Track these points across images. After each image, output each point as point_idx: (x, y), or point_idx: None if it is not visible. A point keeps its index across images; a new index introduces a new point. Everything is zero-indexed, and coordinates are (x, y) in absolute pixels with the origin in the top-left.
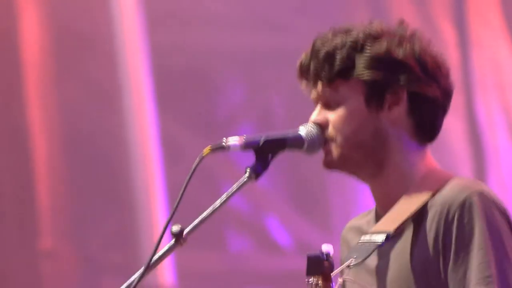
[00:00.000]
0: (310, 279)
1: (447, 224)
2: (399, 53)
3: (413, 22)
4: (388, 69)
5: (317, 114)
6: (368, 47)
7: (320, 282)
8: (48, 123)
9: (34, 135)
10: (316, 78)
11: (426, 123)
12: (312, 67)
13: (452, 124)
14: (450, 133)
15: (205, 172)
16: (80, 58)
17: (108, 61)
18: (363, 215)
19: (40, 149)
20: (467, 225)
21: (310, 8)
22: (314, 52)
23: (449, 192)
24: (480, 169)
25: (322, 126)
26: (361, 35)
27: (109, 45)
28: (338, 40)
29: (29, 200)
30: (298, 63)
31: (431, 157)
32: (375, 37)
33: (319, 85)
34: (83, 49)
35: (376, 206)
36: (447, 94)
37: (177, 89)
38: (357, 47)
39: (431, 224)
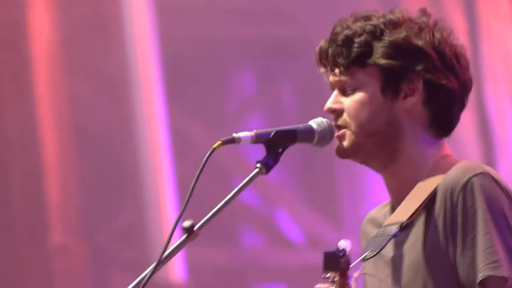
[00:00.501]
0: (328, 274)
1: (452, 208)
2: (418, 41)
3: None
4: (405, 57)
5: (333, 100)
6: (387, 34)
7: (336, 278)
8: (58, 117)
9: (44, 129)
10: (334, 63)
11: (442, 115)
12: (330, 52)
13: (462, 114)
14: (459, 124)
15: (216, 166)
16: (89, 50)
17: (118, 52)
18: (381, 206)
19: (50, 144)
20: (471, 209)
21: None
22: (333, 37)
23: (452, 175)
24: (489, 160)
25: (337, 113)
26: (381, 22)
27: (119, 37)
28: (357, 26)
29: (39, 196)
30: (317, 49)
31: (448, 149)
32: (394, 25)
33: (336, 71)
34: (93, 41)
35: (391, 197)
36: (465, 87)
37: (187, 81)
38: (376, 34)
39: (438, 209)
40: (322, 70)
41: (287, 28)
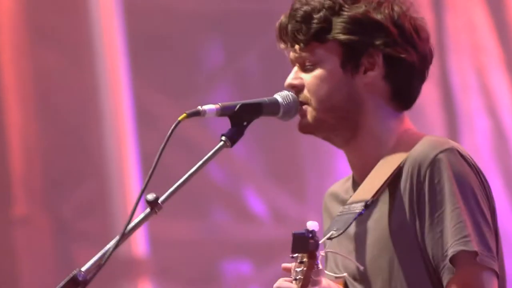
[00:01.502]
0: (295, 255)
1: (419, 184)
2: (377, 16)
3: None
4: (365, 32)
5: (293, 76)
6: (346, 9)
7: (305, 259)
8: (22, 87)
9: (7, 99)
10: (293, 40)
11: (402, 89)
12: (289, 28)
13: (425, 87)
14: (423, 97)
15: (181, 139)
16: (54, 20)
17: (83, 23)
18: (343, 181)
19: (14, 116)
20: (438, 185)
21: None
22: (292, 13)
23: (419, 151)
24: (453, 134)
25: (297, 89)
26: None
27: (84, 8)
28: (316, 2)
29: (2, 168)
30: (277, 25)
31: (409, 123)
32: (354, 0)
33: (296, 47)
34: (57, 13)
35: (353, 173)
36: (425, 60)
37: (152, 53)
38: (335, 9)
39: (404, 185)
40: (282, 46)
41: (252, 1)
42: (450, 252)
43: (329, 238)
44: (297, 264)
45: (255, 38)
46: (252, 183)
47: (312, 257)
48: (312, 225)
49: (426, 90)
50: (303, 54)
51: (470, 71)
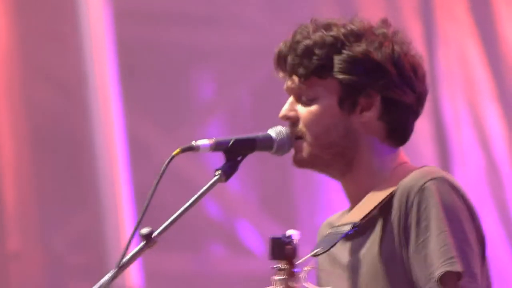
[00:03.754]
0: (276, 265)
1: (407, 210)
2: (377, 57)
3: (380, 16)
4: (364, 72)
5: (288, 107)
6: (347, 48)
7: (284, 266)
8: (14, 121)
9: (0, 135)
10: (292, 71)
11: (398, 128)
12: (289, 60)
13: (418, 122)
14: (415, 132)
15: (175, 174)
16: (46, 53)
17: (74, 56)
18: (340, 213)
19: (6, 148)
20: (425, 211)
21: (277, 6)
22: (293, 44)
23: (410, 179)
24: (445, 167)
25: (292, 121)
26: (341, 33)
27: (75, 41)
28: (318, 36)
29: None
30: (276, 52)
31: (404, 157)
32: (355, 37)
33: (295, 79)
34: (49, 45)
35: (349, 203)
36: (421, 99)
37: (144, 86)
38: (336, 46)
39: (395, 212)
40: (281, 74)
41: (246, 35)
42: (437, 274)
43: (314, 255)
44: (277, 272)
45: (246, 71)
46: (246, 217)
47: (290, 263)
48: (291, 232)
49: (418, 124)
50: (302, 87)
51: (462, 104)
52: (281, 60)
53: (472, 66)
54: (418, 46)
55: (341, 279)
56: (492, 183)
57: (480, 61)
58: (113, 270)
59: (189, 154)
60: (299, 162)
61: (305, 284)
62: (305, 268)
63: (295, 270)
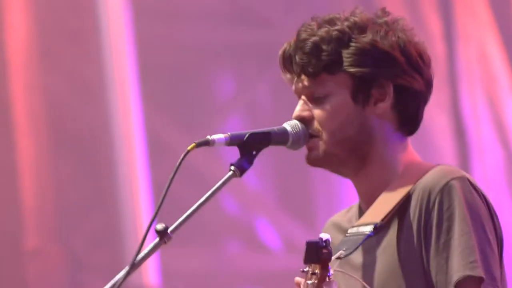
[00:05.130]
0: (306, 268)
1: (428, 209)
2: (385, 45)
3: (399, 14)
4: (374, 63)
5: (301, 107)
6: (354, 40)
7: (317, 270)
8: (34, 121)
9: (19, 132)
10: (301, 71)
11: (410, 115)
12: (297, 59)
13: (437, 117)
14: (434, 127)
15: (191, 169)
16: (65, 53)
17: (94, 55)
18: (344, 212)
19: (25, 147)
20: (448, 211)
21: (297, 2)
22: (299, 43)
23: (430, 178)
24: (464, 164)
25: (306, 121)
26: (346, 26)
27: (95, 40)
28: (323, 32)
29: (14, 199)
30: (280, 54)
31: (411, 148)
32: (360, 29)
33: (304, 78)
34: (69, 44)
35: (360, 201)
36: (429, 85)
37: (163, 84)
38: (343, 40)
39: (414, 211)
40: (288, 76)
41: (265, 32)
42: (456, 276)
43: (338, 258)
44: (308, 276)
45: (265, 69)
46: (263, 213)
47: (324, 268)
48: (325, 236)
49: (438, 119)
50: (312, 85)
51: (481, 100)
52: (287, 61)
53: (492, 62)
54: (437, 43)
55: (353, 279)
56: (511, 178)
57: (500, 57)
58: (127, 266)
59: (208, 150)
60: (314, 160)
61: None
62: (331, 271)
63: (329, 274)
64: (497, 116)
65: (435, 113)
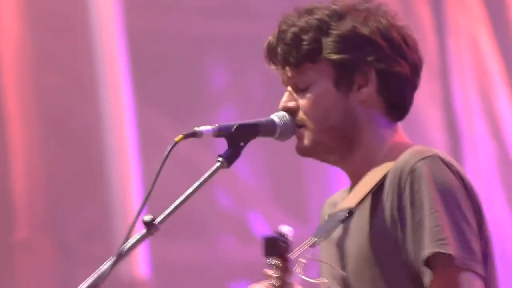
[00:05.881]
0: (271, 261)
1: (400, 191)
2: (365, 31)
3: (391, 7)
4: (355, 48)
5: (287, 99)
6: (334, 27)
7: (280, 264)
8: (25, 111)
9: (10, 123)
10: (284, 62)
11: (396, 100)
12: (279, 51)
13: (429, 110)
14: (426, 120)
15: (182, 160)
16: (56, 45)
17: (85, 46)
18: (342, 191)
19: (17, 141)
20: (418, 192)
21: None
22: (280, 34)
23: (402, 159)
24: (457, 156)
25: (292, 111)
26: (325, 14)
27: (86, 31)
28: (303, 22)
29: (4, 191)
30: (265, 46)
31: (401, 132)
32: (340, 16)
33: (288, 70)
34: (60, 36)
35: (350, 182)
36: (415, 69)
37: (154, 77)
38: (323, 28)
39: (387, 193)
40: (272, 67)
41: (258, 24)
42: (426, 254)
43: (311, 245)
44: (274, 270)
45: (258, 61)
46: (255, 206)
47: (284, 260)
48: (285, 229)
49: (430, 113)
50: (295, 76)
51: (474, 93)
52: (271, 53)
53: (484, 54)
54: (429, 35)
55: (331, 255)
56: (504, 172)
57: (492, 49)
58: (113, 257)
59: (199, 141)
60: (302, 150)
61: (301, 277)
62: (301, 260)
63: (290, 266)
64: (489, 109)
65: (426, 106)
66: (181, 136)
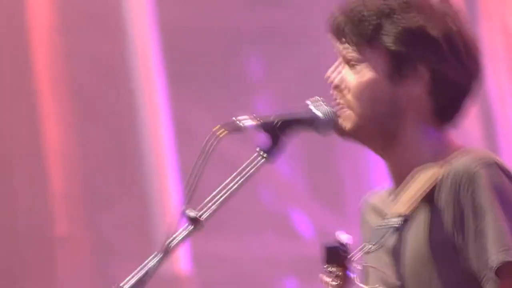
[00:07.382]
0: (328, 268)
1: (460, 197)
2: (433, 32)
3: None
4: (416, 45)
5: (334, 69)
6: (402, 18)
7: (339, 273)
8: (60, 107)
9: (47, 119)
10: (344, 37)
11: (446, 105)
12: (342, 25)
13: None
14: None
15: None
16: (89, 36)
17: (118, 40)
18: (385, 192)
19: (53, 135)
20: (478, 199)
21: None
22: (347, 11)
23: (460, 165)
24: (492, 149)
25: (338, 89)
26: (397, 3)
27: (119, 23)
28: (373, 5)
29: (43, 188)
30: (330, 17)
31: (449, 135)
32: (411, 9)
33: (346, 44)
34: (92, 28)
35: (392, 183)
36: (474, 78)
37: (189, 67)
38: (390, 16)
39: (445, 200)
40: (332, 38)
41: (294, 15)
42: (495, 264)
43: (366, 253)
44: (333, 278)
45: (294, 52)
46: (295, 201)
47: (344, 268)
48: (344, 237)
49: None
50: (352, 52)
51: (507, 80)
52: (333, 25)
53: None
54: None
55: (385, 263)
56: None
57: None
58: (160, 253)
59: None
60: (343, 132)
61: (359, 285)
62: (359, 268)
63: (350, 274)
64: None
65: None
66: (224, 130)
